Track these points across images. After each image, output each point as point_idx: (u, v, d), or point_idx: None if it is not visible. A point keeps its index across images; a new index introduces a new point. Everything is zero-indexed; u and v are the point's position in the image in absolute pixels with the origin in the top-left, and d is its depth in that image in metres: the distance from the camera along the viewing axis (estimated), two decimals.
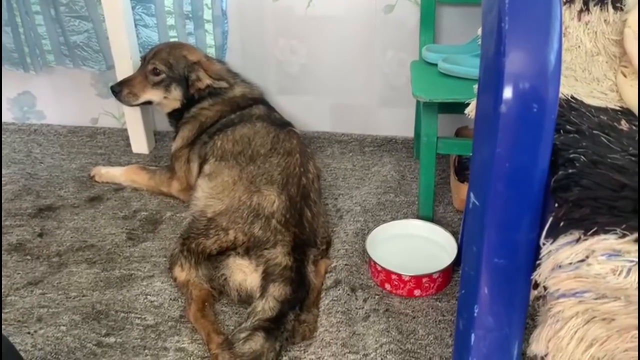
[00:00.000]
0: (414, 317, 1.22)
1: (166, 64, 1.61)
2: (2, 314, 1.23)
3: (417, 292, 1.27)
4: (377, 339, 1.15)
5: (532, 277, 0.66)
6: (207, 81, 1.61)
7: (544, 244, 0.64)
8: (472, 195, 0.70)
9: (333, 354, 1.13)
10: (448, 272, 1.30)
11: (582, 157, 0.66)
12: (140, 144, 1.86)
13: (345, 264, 1.35)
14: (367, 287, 1.29)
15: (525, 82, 0.63)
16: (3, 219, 1.54)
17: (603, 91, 0.96)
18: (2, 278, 1.34)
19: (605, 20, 1.03)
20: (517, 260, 0.69)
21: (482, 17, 0.70)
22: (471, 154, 0.85)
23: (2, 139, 1.95)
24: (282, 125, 1.58)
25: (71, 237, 1.47)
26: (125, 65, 1.71)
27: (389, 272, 1.26)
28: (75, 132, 1.98)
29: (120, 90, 1.64)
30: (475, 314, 0.71)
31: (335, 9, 1.73)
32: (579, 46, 1.03)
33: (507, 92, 0.63)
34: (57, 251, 1.42)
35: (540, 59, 0.63)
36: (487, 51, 0.68)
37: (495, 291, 0.70)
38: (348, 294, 1.26)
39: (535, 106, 0.63)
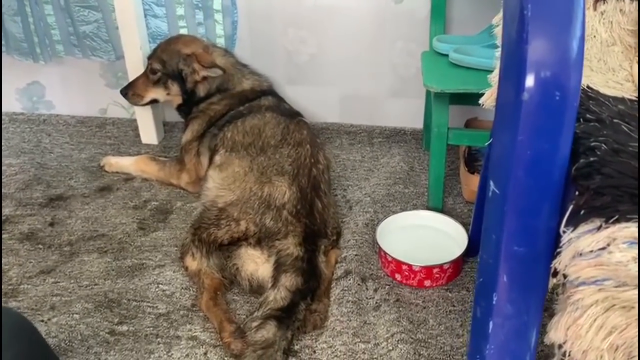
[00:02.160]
0: (425, 307, 1.22)
1: (160, 61, 1.61)
2: (17, 302, 1.24)
3: (427, 283, 1.27)
4: (388, 329, 1.16)
5: (551, 265, 0.66)
6: (202, 73, 1.58)
7: (564, 232, 0.63)
8: (491, 183, 0.70)
9: (344, 342, 1.14)
10: (458, 263, 1.30)
11: (603, 145, 0.66)
12: (149, 134, 1.86)
13: (356, 255, 1.35)
14: (377, 277, 1.30)
15: (548, 70, 0.62)
16: (14, 208, 1.54)
17: (618, 81, 0.95)
18: (15, 267, 1.34)
19: (621, 10, 1.02)
20: (537, 248, 0.68)
21: (503, 3, 0.70)
22: (488, 142, 0.86)
23: (12, 129, 1.95)
24: (292, 115, 1.58)
25: (82, 227, 1.47)
26: (134, 56, 1.71)
27: (399, 263, 1.27)
28: (84, 122, 1.98)
29: (126, 93, 1.67)
30: (494, 302, 0.71)
31: None
32: (595, 36, 1.02)
33: (529, 80, 0.62)
34: (68, 240, 1.43)
35: (562, 46, 0.62)
36: (509, 38, 0.67)
37: (514, 279, 0.70)
38: (358, 284, 1.27)
39: (557, 94, 0.62)
